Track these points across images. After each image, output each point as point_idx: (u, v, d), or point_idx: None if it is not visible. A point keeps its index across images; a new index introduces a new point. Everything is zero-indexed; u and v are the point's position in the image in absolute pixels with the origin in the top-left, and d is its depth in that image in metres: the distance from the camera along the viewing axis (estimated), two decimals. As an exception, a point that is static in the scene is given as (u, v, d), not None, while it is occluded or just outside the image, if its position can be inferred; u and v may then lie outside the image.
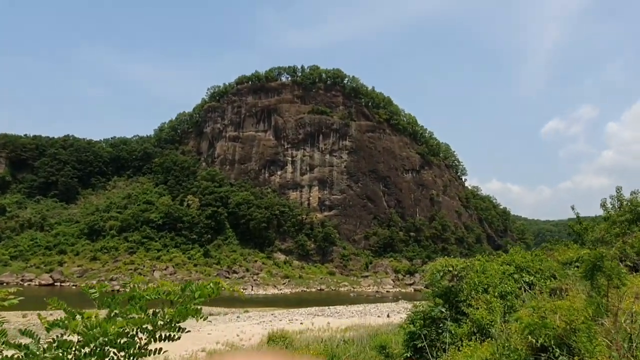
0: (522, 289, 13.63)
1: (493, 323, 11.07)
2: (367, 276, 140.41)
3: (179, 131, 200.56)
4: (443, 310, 11.73)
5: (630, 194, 23.54)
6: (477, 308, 11.67)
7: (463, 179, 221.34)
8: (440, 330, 11.54)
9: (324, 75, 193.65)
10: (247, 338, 34.03)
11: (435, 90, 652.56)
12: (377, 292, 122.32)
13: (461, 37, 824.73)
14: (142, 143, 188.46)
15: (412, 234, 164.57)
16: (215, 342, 31.63)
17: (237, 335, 34.89)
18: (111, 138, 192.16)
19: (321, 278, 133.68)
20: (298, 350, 16.80)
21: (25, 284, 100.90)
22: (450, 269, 13.87)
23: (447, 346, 10.64)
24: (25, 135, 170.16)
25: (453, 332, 11.52)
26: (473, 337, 11.01)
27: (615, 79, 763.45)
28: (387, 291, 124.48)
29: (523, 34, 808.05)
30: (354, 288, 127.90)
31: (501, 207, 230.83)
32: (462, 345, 10.75)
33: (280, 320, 46.20)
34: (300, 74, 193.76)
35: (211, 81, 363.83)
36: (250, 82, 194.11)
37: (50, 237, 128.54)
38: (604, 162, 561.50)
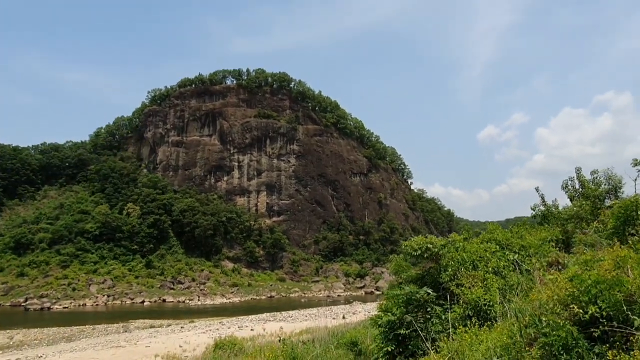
0: (512, 266, 11.87)
1: (492, 303, 9.09)
2: (317, 281, 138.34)
3: (117, 136, 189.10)
4: (430, 291, 9.59)
5: (591, 174, 22.94)
6: (470, 287, 9.66)
7: (409, 182, 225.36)
8: (428, 316, 9.39)
9: (270, 79, 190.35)
10: (192, 349, 30.63)
11: (380, 96, 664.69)
12: (328, 296, 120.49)
13: (402, 47, 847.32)
14: (76, 149, 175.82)
15: (361, 237, 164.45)
16: (154, 355, 28.05)
17: (180, 347, 31.39)
18: (41, 144, 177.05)
19: (271, 285, 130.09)
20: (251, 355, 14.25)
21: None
22: (430, 246, 11.83)
23: (447, 334, 8.50)
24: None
25: (443, 317, 9.44)
26: (468, 322, 8.98)
27: (542, 89, 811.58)
28: (338, 295, 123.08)
29: (459, 47, 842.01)
30: (304, 293, 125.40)
31: (445, 208, 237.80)
32: (455, 332, 8.67)
33: (228, 328, 42.86)
34: (245, 77, 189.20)
35: (152, 85, 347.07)
36: (193, 85, 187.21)
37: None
38: (535, 165, 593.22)
